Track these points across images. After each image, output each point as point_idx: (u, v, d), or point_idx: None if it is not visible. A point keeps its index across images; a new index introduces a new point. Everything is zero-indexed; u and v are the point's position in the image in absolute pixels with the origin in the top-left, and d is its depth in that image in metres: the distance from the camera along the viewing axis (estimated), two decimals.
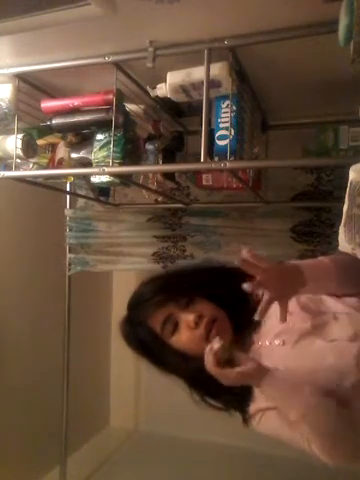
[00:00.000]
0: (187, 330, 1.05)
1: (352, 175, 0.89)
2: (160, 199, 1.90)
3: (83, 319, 2.32)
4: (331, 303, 1.06)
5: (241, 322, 1.08)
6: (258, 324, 1.08)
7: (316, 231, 1.82)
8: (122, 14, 1.06)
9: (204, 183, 1.76)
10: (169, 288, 1.11)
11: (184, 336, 1.05)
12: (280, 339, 1.04)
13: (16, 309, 1.97)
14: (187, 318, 1.05)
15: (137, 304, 1.14)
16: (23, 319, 2.01)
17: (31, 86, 1.42)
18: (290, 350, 1.02)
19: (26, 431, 1.99)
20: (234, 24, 1.11)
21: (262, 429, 1.02)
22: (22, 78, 1.38)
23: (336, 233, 0.95)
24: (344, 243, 0.92)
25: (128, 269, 2.12)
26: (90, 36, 1.19)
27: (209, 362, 0.92)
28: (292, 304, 1.02)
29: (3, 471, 1.85)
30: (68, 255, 2.13)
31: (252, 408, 1.02)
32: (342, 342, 0.98)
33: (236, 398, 1.04)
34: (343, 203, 0.91)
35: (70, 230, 2.12)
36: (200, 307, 1.06)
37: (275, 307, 1.02)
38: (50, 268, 2.13)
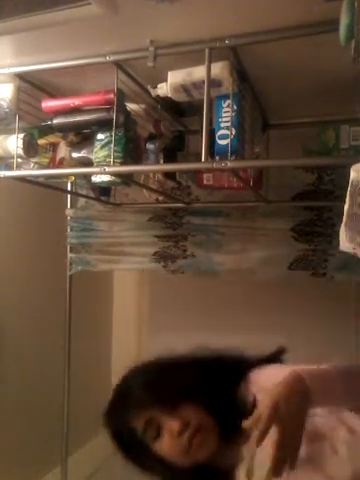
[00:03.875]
0: (170, 438, 0.96)
1: (353, 174, 0.89)
2: (161, 199, 1.90)
3: (84, 319, 2.32)
4: (327, 422, 0.93)
5: (231, 431, 0.96)
6: (247, 438, 0.89)
7: (317, 230, 1.82)
8: (123, 14, 1.06)
9: (205, 182, 1.76)
10: (155, 388, 1.01)
11: (166, 444, 0.97)
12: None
13: (17, 309, 1.97)
14: (171, 426, 0.95)
15: (120, 401, 1.07)
16: (24, 319, 2.01)
17: (32, 86, 1.42)
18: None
19: (27, 431, 2.00)
20: (235, 23, 1.11)
21: None
22: (23, 78, 1.38)
23: (337, 232, 0.95)
24: (345, 243, 0.92)
25: (129, 269, 2.12)
26: (91, 36, 1.19)
27: None
28: None
29: (4, 471, 1.85)
30: (69, 255, 2.13)
31: None
32: None
33: None
34: (344, 202, 0.91)
35: (71, 230, 2.12)
36: (186, 413, 0.96)
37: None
38: (51, 268, 2.13)
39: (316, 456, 0.89)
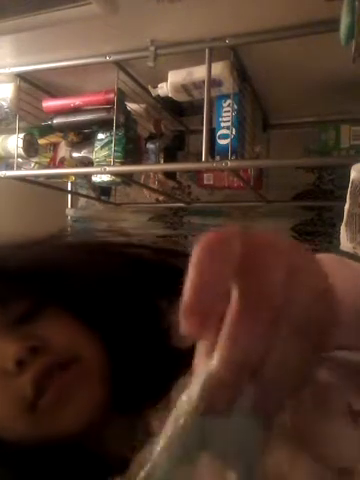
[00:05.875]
0: None
1: (354, 174, 0.89)
2: (161, 198, 1.90)
3: None
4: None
5: (140, 382, 0.42)
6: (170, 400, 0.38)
7: (317, 230, 1.82)
8: (123, 13, 1.06)
9: (205, 182, 1.76)
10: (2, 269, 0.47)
11: None
12: None
13: None
14: (4, 349, 0.41)
15: None
16: None
17: (32, 86, 1.42)
18: None
19: None
20: (235, 23, 1.11)
21: None
22: (23, 78, 1.38)
23: (337, 232, 0.95)
24: (345, 242, 0.92)
25: None
26: (91, 35, 1.19)
27: None
28: None
29: None
30: None
31: None
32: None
33: None
34: (344, 202, 0.91)
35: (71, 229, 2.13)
36: (45, 327, 0.44)
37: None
38: None
39: (309, 423, 0.37)
